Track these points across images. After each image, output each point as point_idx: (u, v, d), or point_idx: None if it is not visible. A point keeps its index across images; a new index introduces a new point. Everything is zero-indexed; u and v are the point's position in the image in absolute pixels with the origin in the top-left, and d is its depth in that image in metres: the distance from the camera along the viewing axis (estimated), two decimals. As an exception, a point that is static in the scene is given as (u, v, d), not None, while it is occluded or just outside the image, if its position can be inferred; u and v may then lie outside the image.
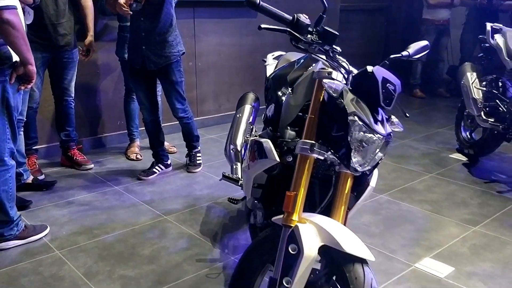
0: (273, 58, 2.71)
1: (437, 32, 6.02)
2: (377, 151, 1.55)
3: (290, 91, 1.83)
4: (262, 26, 1.52)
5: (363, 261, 1.41)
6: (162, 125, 3.64)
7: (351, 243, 1.41)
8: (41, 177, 3.37)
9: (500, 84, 3.60)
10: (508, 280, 2.23)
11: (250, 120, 2.58)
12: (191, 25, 4.45)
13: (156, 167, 3.51)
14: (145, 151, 3.88)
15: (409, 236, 2.62)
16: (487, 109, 3.56)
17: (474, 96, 3.59)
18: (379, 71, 1.53)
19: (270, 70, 2.56)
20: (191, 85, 4.56)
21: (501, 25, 3.69)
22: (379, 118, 1.54)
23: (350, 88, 1.55)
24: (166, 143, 3.80)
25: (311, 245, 1.42)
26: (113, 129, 4.20)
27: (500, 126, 3.38)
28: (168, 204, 3.03)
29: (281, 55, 2.65)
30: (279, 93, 1.93)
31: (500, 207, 2.98)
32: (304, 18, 1.56)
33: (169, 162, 3.60)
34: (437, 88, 6.28)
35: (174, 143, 4.08)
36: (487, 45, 3.66)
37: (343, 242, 1.40)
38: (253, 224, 2.13)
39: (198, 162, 3.63)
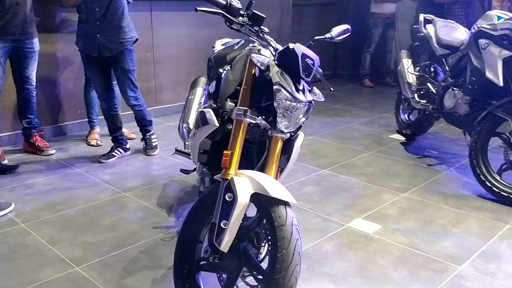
0: (222, 45, 2.97)
1: (384, 25, 6.42)
2: (300, 116, 1.84)
3: (229, 68, 2.09)
4: (198, 8, 1.78)
5: (286, 204, 1.68)
6: (123, 113, 3.85)
7: (276, 189, 1.68)
8: (4, 162, 3.52)
9: (432, 69, 3.98)
10: (426, 234, 2.57)
11: (202, 101, 2.83)
12: (148, 17, 4.65)
13: (116, 151, 3.71)
14: (105, 138, 4.06)
15: (345, 202, 2.94)
16: (421, 92, 3.93)
17: (408, 81, 3.95)
18: (299, 48, 1.81)
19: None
20: (149, 75, 4.77)
21: (433, 16, 4.07)
22: (301, 87, 1.82)
23: (276, 63, 1.82)
24: (125, 130, 4.00)
25: (244, 193, 1.68)
26: (74, 117, 4.36)
27: (430, 107, 3.75)
28: (127, 183, 3.25)
29: (228, 41, 2.91)
30: (220, 70, 2.19)
31: (428, 177, 3.35)
32: (236, 2, 1.83)
33: (128, 146, 3.81)
34: (385, 77, 6.69)
35: (133, 130, 4.28)
36: (421, 34, 4.03)
37: (269, 188, 1.67)
38: (202, 191, 2.39)
39: (154, 144, 3.85)
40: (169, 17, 4.80)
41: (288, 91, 1.77)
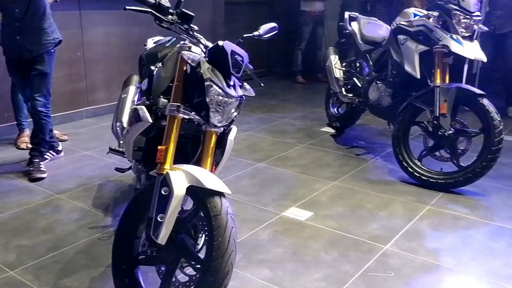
0: (153, 43, 2.99)
1: (314, 23, 6.65)
2: (232, 111, 1.92)
3: (161, 65, 2.13)
4: (127, 7, 1.80)
5: (221, 194, 1.76)
6: (53, 115, 3.73)
7: (211, 181, 1.75)
8: None
9: (357, 64, 4.20)
10: (354, 218, 2.75)
11: (135, 99, 2.83)
12: (77, 16, 4.54)
13: (48, 153, 3.61)
14: (35, 140, 3.93)
15: (280, 193, 3.06)
16: (348, 86, 4.14)
17: (336, 76, 4.15)
18: (228, 45, 1.88)
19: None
20: (80, 76, 4.66)
21: (357, 14, 4.29)
22: (231, 83, 1.90)
23: (207, 59, 1.89)
24: (57, 132, 3.91)
25: (179, 186, 1.74)
26: (1, 120, 4.18)
27: (357, 100, 3.97)
28: (60, 185, 3.18)
29: (160, 39, 2.94)
30: (152, 67, 2.23)
31: (356, 166, 3.55)
32: (164, 1, 1.88)
33: (60, 148, 3.72)
34: (316, 73, 6.93)
35: (64, 132, 4.18)
36: (346, 31, 4.24)
37: (204, 181, 1.74)
38: (138, 189, 2.41)
39: (42, 169, 3.36)
40: (99, 16, 4.72)
41: (219, 87, 1.84)
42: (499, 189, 3.13)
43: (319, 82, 6.72)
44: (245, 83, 2.09)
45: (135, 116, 2.00)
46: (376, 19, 4.34)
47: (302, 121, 4.82)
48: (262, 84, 2.28)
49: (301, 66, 6.83)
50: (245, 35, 2.18)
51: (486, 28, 3.31)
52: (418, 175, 3.17)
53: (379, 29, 4.02)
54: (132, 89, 2.90)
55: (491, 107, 2.95)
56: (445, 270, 2.25)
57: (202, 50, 1.97)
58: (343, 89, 4.11)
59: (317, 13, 6.61)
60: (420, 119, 3.24)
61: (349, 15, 4.27)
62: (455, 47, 3.03)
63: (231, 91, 1.88)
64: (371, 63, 3.95)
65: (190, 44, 1.95)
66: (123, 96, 2.86)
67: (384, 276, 2.18)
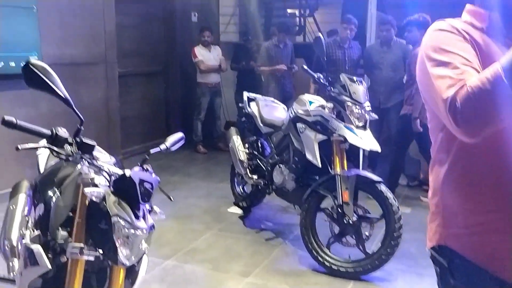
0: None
1: (211, 93, 6.72)
2: (143, 242, 1.78)
3: (59, 193, 1.93)
4: (21, 146, 1.61)
5: None
6: None
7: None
8: None
9: (259, 144, 4.27)
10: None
11: (26, 211, 2.54)
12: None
13: None
14: None
15: (192, 298, 2.91)
16: (252, 167, 4.15)
17: (240, 158, 4.14)
18: (136, 174, 1.76)
19: (42, 160, 2.59)
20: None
21: (255, 95, 4.40)
22: (140, 214, 1.77)
23: (112, 191, 1.75)
24: None
25: None
26: None
27: (262, 182, 3.99)
28: None
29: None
30: (49, 193, 2.01)
31: (267, 255, 3.51)
32: (62, 131, 1.72)
33: None
34: (217, 143, 6.94)
35: None
36: (246, 111, 4.31)
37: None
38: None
39: None
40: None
41: (127, 221, 1.70)
42: (402, 271, 3.26)
43: (220, 151, 6.72)
44: (154, 206, 1.97)
45: (30, 259, 1.77)
46: (273, 99, 4.49)
47: (207, 200, 4.72)
48: (171, 199, 2.17)
49: (202, 135, 6.81)
50: (151, 151, 2.08)
51: (376, 116, 3.55)
52: (328, 264, 3.20)
53: (277, 112, 4.14)
54: (21, 198, 2.59)
55: (388, 193, 3.12)
56: None
57: (105, 178, 1.82)
58: (247, 170, 4.11)
59: (213, 85, 6.70)
60: (325, 206, 3.32)
61: (247, 96, 4.36)
62: (351, 138, 3.20)
63: (140, 223, 1.75)
64: (272, 145, 4.03)
65: (92, 175, 1.79)
66: (11, 207, 2.54)
67: None
